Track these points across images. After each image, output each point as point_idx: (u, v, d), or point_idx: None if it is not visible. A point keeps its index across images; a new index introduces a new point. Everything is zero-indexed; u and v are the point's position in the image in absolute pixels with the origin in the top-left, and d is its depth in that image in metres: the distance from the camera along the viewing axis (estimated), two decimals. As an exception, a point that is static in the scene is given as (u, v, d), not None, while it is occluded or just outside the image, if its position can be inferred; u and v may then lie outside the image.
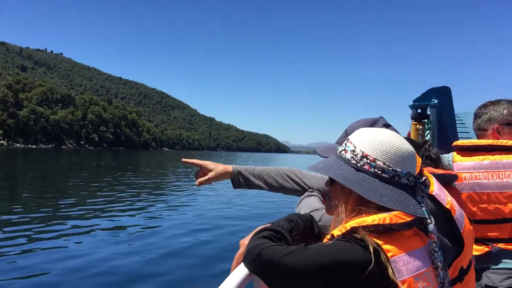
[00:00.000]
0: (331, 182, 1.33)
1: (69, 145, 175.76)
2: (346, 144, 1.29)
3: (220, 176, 2.06)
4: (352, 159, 1.24)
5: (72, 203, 15.23)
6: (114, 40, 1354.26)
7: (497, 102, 2.65)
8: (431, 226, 1.19)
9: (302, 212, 1.54)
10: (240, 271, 1.23)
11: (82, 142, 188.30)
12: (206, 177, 2.05)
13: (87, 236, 9.94)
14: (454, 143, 2.59)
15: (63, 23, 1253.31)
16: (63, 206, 14.39)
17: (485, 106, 2.68)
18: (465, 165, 2.47)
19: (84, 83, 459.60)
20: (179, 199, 18.44)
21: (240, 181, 2.08)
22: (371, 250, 1.07)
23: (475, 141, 2.55)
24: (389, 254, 1.08)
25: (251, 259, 1.18)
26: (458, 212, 1.35)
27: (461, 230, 1.31)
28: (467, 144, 2.56)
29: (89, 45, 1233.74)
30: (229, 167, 2.09)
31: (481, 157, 2.47)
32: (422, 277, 1.11)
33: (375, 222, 1.12)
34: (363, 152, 1.22)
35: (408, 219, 1.14)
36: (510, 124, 2.58)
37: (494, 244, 2.50)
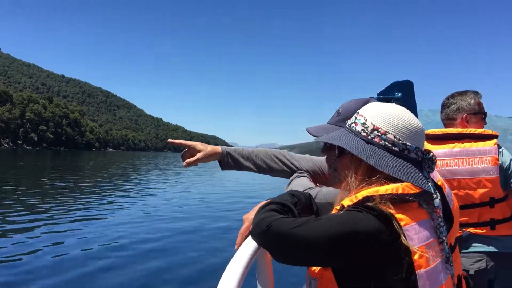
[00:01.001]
0: (339, 154, 1.33)
1: (5, 145, 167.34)
2: (356, 118, 1.30)
3: (209, 157, 2.02)
4: (362, 131, 1.25)
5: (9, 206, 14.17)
6: (56, 36, 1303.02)
7: (464, 93, 2.75)
8: (437, 201, 1.21)
9: None
10: (248, 245, 1.23)
11: (19, 142, 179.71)
12: (194, 158, 2.00)
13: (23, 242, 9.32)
14: (425, 132, 2.70)
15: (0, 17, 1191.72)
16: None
17: (452, 96, 2.77)
18: (436, 153, 2.44)
19: (23, 81, 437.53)
20: (124, 200, 17.39)
21: (228, 162, 2.05)
22: (385, 218, 1.08)
23: (445, 130, 2.62)
24: (402, 223, 1.09)
25: (260, 232, 1.17)
26: (447, 189, 1.38)
27: (451, 207, 1.34)
28: (438, 133, 2.61)
29: (29, 41, 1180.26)
30: (218, 148, 2.06)
31: (451, 145, 2.54)
32: (431, 246, 1.15)
33: (389, 192, 1.13)
34: (374, 125, 1.24)
35: (417, 191, 1.16)
36: (477, 113, 2.70)
37: (464, 229, 2.56)
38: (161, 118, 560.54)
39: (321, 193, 1.64)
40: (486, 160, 2.50)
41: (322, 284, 1.15)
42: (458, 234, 2.51)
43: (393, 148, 1.21)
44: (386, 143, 1.22)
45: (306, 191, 1.65)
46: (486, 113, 2.78)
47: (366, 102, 1.63)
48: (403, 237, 1.08)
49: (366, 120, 1.26)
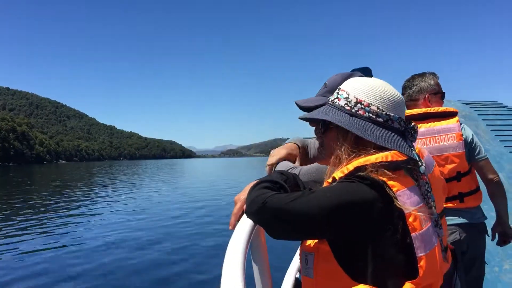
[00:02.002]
0: (324, 130, 1.35)
1: None
2: (338, 93, 1.32)
3: None
4: (346, 105, 1.27)
5: None
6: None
7: (423, 75, 2.86)
8: (423, 168, 1.25)
9: None
10: (244, 224, 1.26)
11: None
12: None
13: None
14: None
15: None
16: None
17: (413, 78, 2.86)
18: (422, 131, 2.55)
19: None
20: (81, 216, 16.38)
21: None
22: (378, 186, 1.11)
23: (410, 112, 2.68)
24: (394, 189, 1.12)
25: (256, 209, 1.17)
26: (426, 157, 1.39)
27: (429, 174, 1.34)
28: (418, 113, 2.67)
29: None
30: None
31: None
32: (422, 210, 1.17)
33: (379, 160, 1.15)
34: (357, 98, 1.26)
35: (404, 158, 1.18)
36: (437, 93, 2.82)
37: None
38: (114, 126, 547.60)
39: (303, 170, 1.67)
40: (451, 136, 2.60)
41: (319, 258, 1.17)
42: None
43: (377, 119, 1.24)
44: (370, 115, 1.24)
45: (290, 170, 1.68)
46: (444, 93, 2.87)
47: (350, 75, 1.65)
48: (397, 202, 1.10)
49: (348, 94, 1.28)
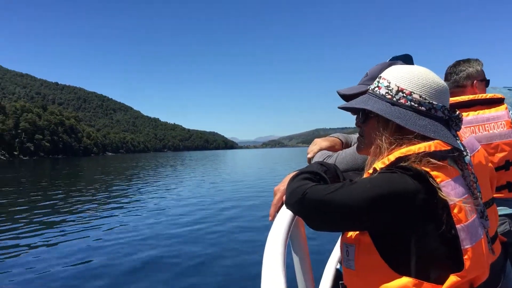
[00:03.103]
0: (364, 119, 1.31)
1: (1, 157, 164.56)
2: (379, 81, 1.29)
3: None
4: (387, 94, 1.24)
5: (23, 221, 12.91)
6: (47, 44, 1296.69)
7: (468, 60, 2.76)
8: (468, 158, 1.20)
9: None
10: (283, 215, 1.26)
11: (15, 153, 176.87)
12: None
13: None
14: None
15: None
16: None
17: (458, 64, 2.75)
18: (469, 119, 2.49)
19: (17, 91, 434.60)
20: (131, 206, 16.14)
21: None
22: (421, 177, 1.08)
23: (456, 99, 2.58)
24: (437, 180, 1.09)
25: (296, 200, 1.16)
26: (467, 141, 1.35)
27: (470, 157, 1.28)
28: (451, 102, 2.41)
29: (20, 51, 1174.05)
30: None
31: (464, 114, 2.49)
32: (467, 202, 1.12)
33: (421, 150, 1.12)
34: (398, 87, 1.22)
35: (448, 148, 1.15)
36: (483, 80, 2.74)
37: None
38: (158, 118, 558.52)
39: (339, 157, 1.64)
40: (501, 124, 2.52)
41: (360, 250, 1.15)
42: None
43: (420, 107, 1.20)
44: (412, 103, 1.20)
45: (326, 159, 1.65)
46: (489, 80, 2.80)
47: (391, 64, 1.60)
48: (441, 193, 1.07)
49: (389, 83, 1.24)
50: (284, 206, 1.29)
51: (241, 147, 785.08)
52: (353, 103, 1.32)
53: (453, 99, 2.49)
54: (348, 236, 1.20)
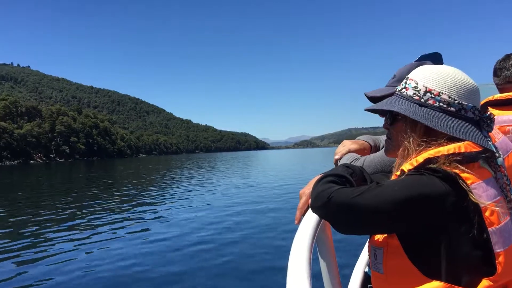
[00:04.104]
0: (391, 122, 1.28)
1: (38, 160, 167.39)
2: (406, 82, 1.26)
3: None
4: (414, 95, 1.21)
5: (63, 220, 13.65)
6: (81, 49, 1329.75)
7: None
8: (500, 160, 1.16)
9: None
10: (309, 218, 1.24)
11: (52, 155, 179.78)
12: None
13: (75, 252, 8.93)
14: (487, 99, 2.46)
15: (27, 36, 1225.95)
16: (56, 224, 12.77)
17: (509, 58, 2.61)
18: (506, 118, 2.35)
19: (54, 95, 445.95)
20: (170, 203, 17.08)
21: None
22: (450, 179, 1.05)
23: (507, 95, 2.45)
24: (468, 182, 1.05)
25: (321, 204, 1.14)
26: (500, 142, 1.32)
27: (505, 158, 1.24)
28: (505, 98, 2.45)
29: (56, 56, 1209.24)
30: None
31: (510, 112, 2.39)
32: (500, 204, 1.09)
33: (451, 151, 1.09)
34: (426, 87, 1.19)
35: (479, 149, 1.11)
36: None
37: None
38: (190, 120, 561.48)
39: (367, 160, 1.62)
40: None
41: (388, 253, 1.13)
42: None
43: (449, 108, 1.17)
44: (441, 104, 1.17)
45: (353, 162, 1.64)
46: None
47: (419, 64, 1.57)
48: (472, 195, 1.04)
49: (417, 83, 1.22)
50: (310, 210, 1.29)
51: (272, 148, 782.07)
52: (380, 105, 1.30)
53: (507, 95, 2.41)
54: (376, 239, 1.18)
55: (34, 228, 12.26)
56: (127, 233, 11.00)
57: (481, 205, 1.04)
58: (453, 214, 1.03)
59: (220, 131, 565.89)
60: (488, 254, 1.05)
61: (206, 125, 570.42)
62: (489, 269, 1.05)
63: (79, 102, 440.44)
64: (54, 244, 9.91)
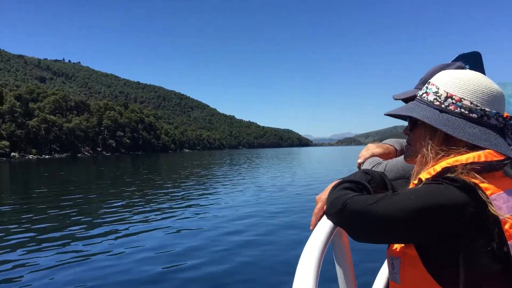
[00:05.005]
0: (411, 127, 1.26)
1: (86, 153, 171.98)
2: (427, 87, 1.23)
3: None
4: (435, 100, 1.18)
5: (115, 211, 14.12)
6: (129, 46, 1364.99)
7: None
8: None
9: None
10: (323, 225, 1.22)
11: (99, 149, 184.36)
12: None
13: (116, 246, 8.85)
14: None
15: (78, 33, 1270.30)
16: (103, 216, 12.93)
17: None
18: None
19: (103, 90, 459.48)
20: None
21: None
22: (469, 189, 1.01)
23: None
24: (487, 192, 1.02)
25: (336, 211, 1.13)
26: None
27: None
28: None
29: (105, 53, 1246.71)
30: None
31: None
32: None
33: (470, 160, 1.06)
34: (447, 93, 1.16)
35: (501, 158, 1.07)
36: None
37: None
38: (233, 116, 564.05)
39: (389, 165, 1.61)
40: None
41: (405, 263, 1.11)
42: None
43: (471, 115, 1.13)
44: (462, 110, 1.13)
45: (375, 167, 1.63)
46: None
47: (448, 64, 1.52)
48: (491, 207, 1.00)
49: (438, 89, 1.18)
50: (325, 216, 1.27)
51: (315, 145, 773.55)
52: (399, 110, 1.26)
53: None
54: (393, 248, 1.17)
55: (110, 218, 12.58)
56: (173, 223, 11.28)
57: (501, 217, 1.00)
58: (471, 225, 0.99)
59: (263, 127, 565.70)
60: (507, 267, 1.01)
61: (249, 121, 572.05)
62: (508, 282, 1.01)
63: (126, 97, 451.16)
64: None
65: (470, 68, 2.19)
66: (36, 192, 21.35)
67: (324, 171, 32.31)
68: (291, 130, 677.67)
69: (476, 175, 1.04)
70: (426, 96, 1.21)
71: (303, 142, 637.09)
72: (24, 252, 8.51)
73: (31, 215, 13.29)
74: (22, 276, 6.92)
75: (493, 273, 1.00)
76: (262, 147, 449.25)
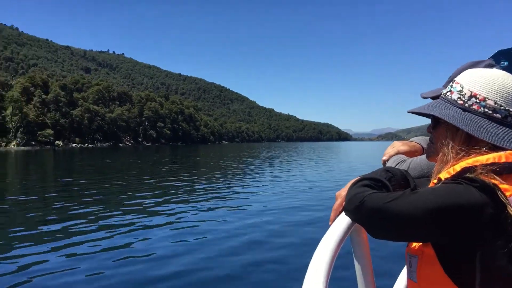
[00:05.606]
0: (434, 125, 1.25)
1: (127, 143, 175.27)
2: (452, 85, 1.22)
3: None
4: (459, 99, 1.17)
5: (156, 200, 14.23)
6: (172, 38, 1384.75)
7: None
8: None
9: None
10: (341, 221, 1.23)
11: (140, 139, 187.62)
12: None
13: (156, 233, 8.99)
14: None
15: (122, 25, 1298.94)
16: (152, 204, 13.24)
17: None
18: None
19: (145, 81, 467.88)
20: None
21: None
22: (488, 190, 0.99)
23: None
24: (507, 194, 1.01)
25: (353, 207, 1.13)
26: None
27: None
28: None
29: (148, 45, 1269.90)
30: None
31: None
32: None
33: (490, 161, 1.05)
34: (471, 92, 1.15)
35: None
36: None
37: None
38: (273, 109, 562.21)
39: (413, 163, 1.60)
40: None
41: (423, 262, 1.10)
42: None
43: (494, 115, 1.12)
44: (486, 110, 1.12)
45: (399, 165, 1.63)
46: None
47: (477, 62, 1.49)
48: (510, 208, 0.99)
49: (462, 87, 1.17)
50: (343, 212, 1.27)
51: (355, 139, 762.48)
52: (422, 108, 1.26)
53: None
54: (412, 246, 1.16)
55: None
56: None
57: None
58: (489, 226, 0.98)
59: (302, 120, 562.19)
60: None
61: (288, 114, 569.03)
62: None
63: (168, 89, 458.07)
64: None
65: (510, 64, 2.07)
66: (91, 179, 21.92)
67: (362, 167, 31.35)
68: (330, 124, 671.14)
69: (495, 176, 1.03)
70: (450, 95, 1.20)
71: (342, 136, 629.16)
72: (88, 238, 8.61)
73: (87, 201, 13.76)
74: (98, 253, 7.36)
75: (510, 275, 0.99)
76: (301, 141, 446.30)
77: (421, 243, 1.12)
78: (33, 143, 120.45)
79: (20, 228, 9.55)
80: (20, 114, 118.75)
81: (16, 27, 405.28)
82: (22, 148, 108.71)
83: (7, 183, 21.39)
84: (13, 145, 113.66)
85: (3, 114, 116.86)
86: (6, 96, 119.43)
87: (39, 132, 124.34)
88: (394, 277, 1.62)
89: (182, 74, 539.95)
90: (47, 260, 6.93)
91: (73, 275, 6.23)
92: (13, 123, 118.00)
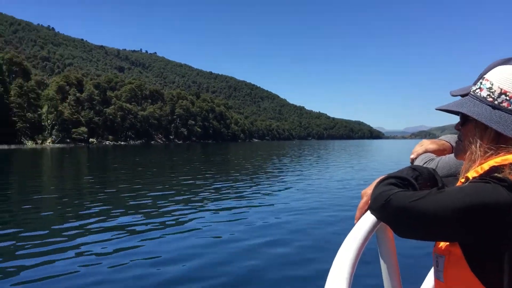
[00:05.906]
0: (463, 122, 1.23)
1: (159, 140, 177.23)
2: (481, 82, 1.20)
3: None
4: (488, 96, 1.15)
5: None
6: (203, 37, 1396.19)
7: None
8: None
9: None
10: (366, 220, 1.23)
11: (171, 137, 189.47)
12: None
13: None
14: None
15: (155, 24, 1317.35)
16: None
17: None
18: None
19: (177, 80, 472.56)
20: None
21: None
22: None
23: None
24: None
25: (379, 206, 1.12)
26: None
27: None
28: None
29: (180, 44, 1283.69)
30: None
31: None
32: None
33: None
34: (501, 89, 1.13)
35: None
36: None
37: None
38: (303, 107, 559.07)
39: (442, 161, 1.58)
40: None
41: (450, 261, 1.09)
42: None
43: None
44: None
45: (427, 163, 1.62)
46: None
47: (509, 59, 1.48)
48: None
49: (492, 85, 1.15)
50: (369, 211, 1.27)
51: (387, 138, 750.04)
52: (451, 105, 1.24)
53: None
54: (439, 246, 1.15)
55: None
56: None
57: None
58: None
59: (333, 118, 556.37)
60: None
61: (319, 112, 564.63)
62: None
63: (199, 87, 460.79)
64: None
65: None
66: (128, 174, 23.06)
67: (392, 165, 30.57)
68: (362, 122, 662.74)
69: None
70: (480, 92, 1.19)
71: (374, 134, 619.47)
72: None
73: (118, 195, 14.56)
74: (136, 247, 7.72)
75: None
76: (332, 139, 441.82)
77: (448, 243, 1.11)
78: (68, 140, 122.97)
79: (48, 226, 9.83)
80: (55, 112, 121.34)
81: (53, 27, 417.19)
82: (57, 145, 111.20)
83: (43, 180, 22.22)
84: (49, 143, 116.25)
85: (39, 112, 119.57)
86: (42, 94, 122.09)
87: (73, 130, 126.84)
88: (422, 277, 1.60)
89: (213, 72, 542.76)
90: (69, 258, 7.07)
91: (92, 275, 6.25)
92: (48, 121, 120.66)
